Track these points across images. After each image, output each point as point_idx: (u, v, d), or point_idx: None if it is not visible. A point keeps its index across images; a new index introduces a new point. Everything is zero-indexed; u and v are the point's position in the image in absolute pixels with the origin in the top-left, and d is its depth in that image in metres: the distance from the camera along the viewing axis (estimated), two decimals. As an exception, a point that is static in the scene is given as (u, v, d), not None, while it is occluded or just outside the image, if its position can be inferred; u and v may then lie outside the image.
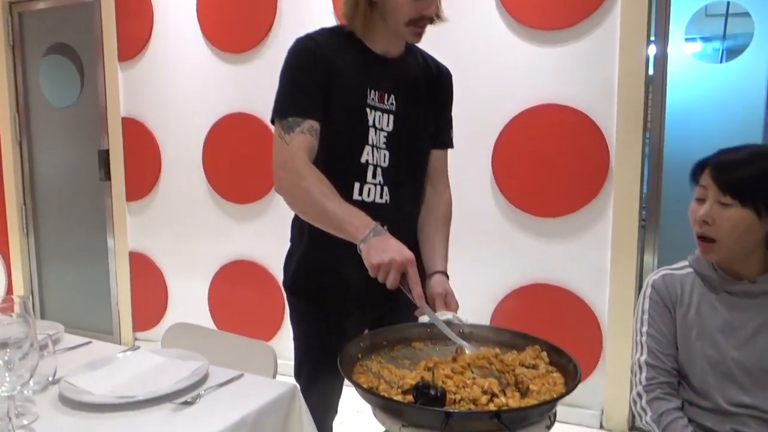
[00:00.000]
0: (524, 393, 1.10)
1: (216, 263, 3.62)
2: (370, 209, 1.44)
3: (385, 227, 1.25)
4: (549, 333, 1.32)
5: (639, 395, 1.32)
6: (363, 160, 1.44)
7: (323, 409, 1.60)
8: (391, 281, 1.19)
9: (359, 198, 1.44)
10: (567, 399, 1.07)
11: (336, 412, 1.66)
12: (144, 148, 3.74)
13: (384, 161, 1.47)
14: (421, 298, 1.23)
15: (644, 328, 1.34)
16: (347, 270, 1.45)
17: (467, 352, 1.24)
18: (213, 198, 3.58)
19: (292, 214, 1.57)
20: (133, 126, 3.76)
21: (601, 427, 2.77)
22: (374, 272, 1.20)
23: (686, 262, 1.38)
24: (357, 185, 1.44)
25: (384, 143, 1.46)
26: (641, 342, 1.34)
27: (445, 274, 1.48)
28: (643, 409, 1.30)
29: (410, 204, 1.57)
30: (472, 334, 1.37)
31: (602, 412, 2.78)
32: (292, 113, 1.36)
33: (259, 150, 3.35)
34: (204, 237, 3.64)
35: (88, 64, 3.88)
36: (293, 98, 1.38)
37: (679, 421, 1.25)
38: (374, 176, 1.45)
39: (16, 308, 1.04)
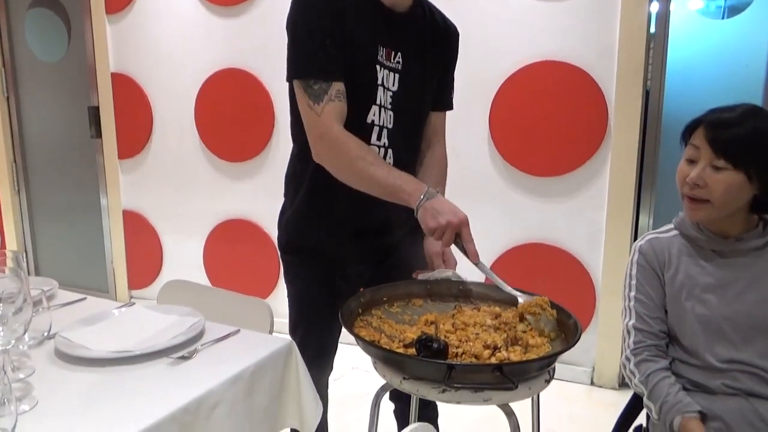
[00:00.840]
0: (526, 348, 1.10)
1: (210, 222, 3.60)
2: None
3: (437, 190, 1.27)
4: (543, 292, 1.32)
5: (627, 359, 1.33)
6: (369, 120, 1.38)
7: (319, 366, 1.60)
8: (446, 241, 1.24)
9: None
10: (560, 356, 1.07)
11: (332, 368, 1.67)
12: (135, 105, 3.67)
13: (389, 122, 1.41)
14: (476, 255, 1.26)
15: (632, 293, 1.35)
16: (343, 228, 1.43)
17: (520, 301, 1.26)
18: (206, 156, 3.53)
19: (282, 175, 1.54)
20: (123, 82, 3.67)
21: (592, 383, 2.82)
22: (430, 234, 1.25)
23: (671, 225, 1.38)
24: None
25: (390, 103, 1.40)
26: (629, 307, 1.35)
27: None
28: (632, 372, 1.31)
29: (411, 167, 1.53)
30: (472, 291, 1.37)
31: (593, 369, 2.82)
32: (314, 75, 1.29)
33: (252, 107, 3.29)
34: (198, 196, 3.61)
35: (75, 18, 3.76)
36: (314, 58, 1.29)
37: (666, 380, 1.26)
38: (379, 138, 1.40)
39: (8, 262, 1.01)
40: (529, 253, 2.82)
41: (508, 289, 1.31)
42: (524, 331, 1.18)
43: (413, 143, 1.52)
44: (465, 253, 1.26)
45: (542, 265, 2.79)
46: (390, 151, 1.43)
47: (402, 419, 1.72)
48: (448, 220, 1.22)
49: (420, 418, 1.61)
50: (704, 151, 1.22)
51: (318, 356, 1.59)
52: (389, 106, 1.40)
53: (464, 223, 1.24)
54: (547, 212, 2.78)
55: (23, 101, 4.07)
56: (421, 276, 1.39)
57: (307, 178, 1.45)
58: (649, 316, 1.33)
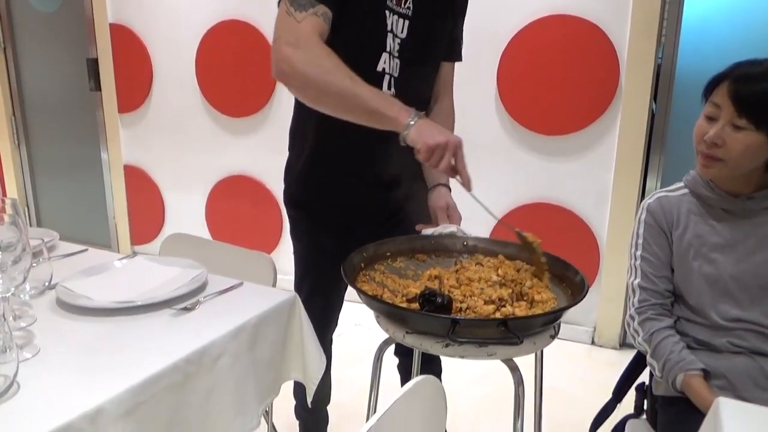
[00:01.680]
0: (531, 304, 1.09)
1: (212, 178, 3.57)
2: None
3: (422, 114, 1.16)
4: (547, 250, 1.30)
5: (632, 317, 1.32)
6: (379, 68, 1.33)
7: (323, 323, 1.60)
8: (445, 163, 1.13)
9: None
10: (562, 315, 1.07)
11: (336, 325, 1.67)
12: (134, 57, 3.60)
13: (396, 71, 1.37)
14: (469, 183, 1.17)
15: (638, 252, 1.33)
16: (351, 182, 1.40)
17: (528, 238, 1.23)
18: (208, 111, 3.48)
19: (288, 128, 1.50)
20: (122, 33, 3.59)
21: (593, 343, 2.85)
22: (428, 155, 1.12)
23: (681, 184, 1.35)
24: None
25: (397, 51, 1.35)
26: (635, 266, 1.34)
27: (447, 186, 1.44)
28: (636, 331, 1.31)
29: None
30: (476, 246, 1.36)
31: (595, 329, 2.84)
32: None
33: (254, 61, 3.22)
34: (199, 151, 3.58)
35: (72, -35, 3.66)
36: None
37: (669, 339, 1.26)
38: (389, 87, 1.36)
39: (7, 209, 1.00)
40: (534, 212, 2.80)
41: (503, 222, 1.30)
42: (530, 287, 1.17)
43: (422, 94, 1.47)
44: (458, 179, 1.17)
45: (547, 224, 2.78)
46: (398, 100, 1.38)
47: (406, 374, 1.73)
48: (447, 138, 1.11)
49: (423, 374, 1.62)
50: (726, 110, 1.18)
51: (323, 313, 1.59)
52: (396, 54, 1.36)
53: (460, 144, 1.14)
54: (554, 172, 2.75)
55: (20, 53, 4.00)
56: (425, 231, 1.37)
57: (312, 131, 1.42)
58: (654, 275, 1.31)
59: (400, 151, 1.45)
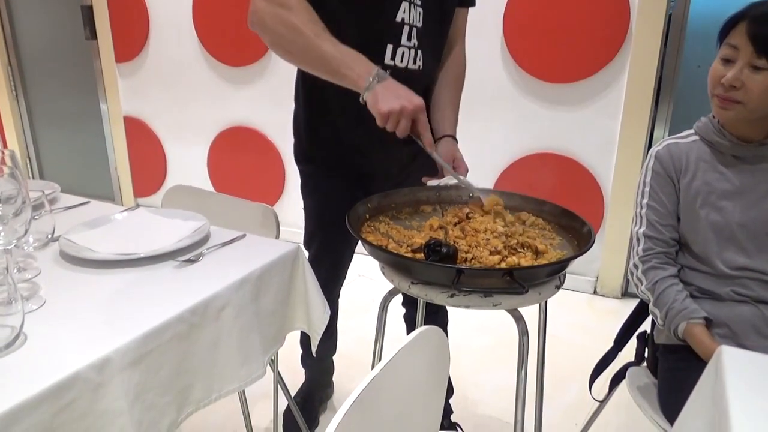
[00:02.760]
0: (536, 254, 1.08)
1: (214, 129, 3.54)
2: (402, 76, 1.33)
3: (387, 72, 1.14)
4: (553, 199, 1.29)
5: (635, 266, 1.32)
6: (399, 18, 1.29)
7: (332, 278, 1.60)
8: (401, 129, 1.12)
9: (391, 63, 1.32)
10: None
11: (344, 280, 1.68)
12: (129, 4, 3.50)
13: (419, 20, 1.32)
14: (432, 146, 1.17)
15: (644, 201, 1.32)
16: (360, 133, 1.37)
17: (483, 201, 1.24)
18: (206, 60, 3.41)
19: (292, 77, 1.46)
20: (117, -21, 3.49)
21: (595, 292, 2.87)
22: (383, 121, 1.11)
23: (691, 131, 1.32)
24: (390, 48, 1.30)
25: (420, 0, 1.31)
26: (641, 214, 1.32)
27: (454, 138, 1.42)
28: (639, 279, 1.31)
29: (436, 70, 1.46)
30: (482, 198, 1.34)
31: (597, 279, 2.86)
32: None
33: (253, 7, 3.14)
34: (199, 102, 3.53)
35: None
36: None
37: (673, 288, 1.26)
38: (409, 38, 1.32)
39: (6, 161, 0.98)
40: (539, 162, 2.78)
41: (466, 182, 1.29)
42: (534, 238, 1.17)
43: (440, 43, 1.44)
44: (420, 141, 1.16)
45: (552, 174, 2.76)
46: (419, 52, 1.35)
47: (412, 324, 1.75)
48: (402, 105, 1.09)
49: (429, 324, 1.64)
50: (744, 50, 1.14)
51: (333, 268, 1.59)
52: (419, 2, 1.31)
53: (420, 108, 1.12)
54: (560, 120, 2.71)
55: (13, 1, 3.89)
56: (431, 182, 1.35)
57: (317, 80, 1.38)
58: (660, 224, 1.30)
59: (427, 100, 1.42)
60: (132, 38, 3.59)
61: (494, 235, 1.11)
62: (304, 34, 1.13)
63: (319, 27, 1.15)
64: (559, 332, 2.48)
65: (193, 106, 3.57)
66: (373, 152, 1.39)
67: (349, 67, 1.12)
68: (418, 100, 1.12)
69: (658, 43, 2.45)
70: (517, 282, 0.92)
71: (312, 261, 1.56)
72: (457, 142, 1.42)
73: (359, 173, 1.45)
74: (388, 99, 1.10)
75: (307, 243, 1.59)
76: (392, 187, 1.37)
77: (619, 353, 1.47)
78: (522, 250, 1.07)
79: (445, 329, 1.74)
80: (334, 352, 1.87)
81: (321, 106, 1.40)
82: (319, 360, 1.81)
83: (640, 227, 1.33)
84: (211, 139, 3.57)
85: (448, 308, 1.71)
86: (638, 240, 1.33)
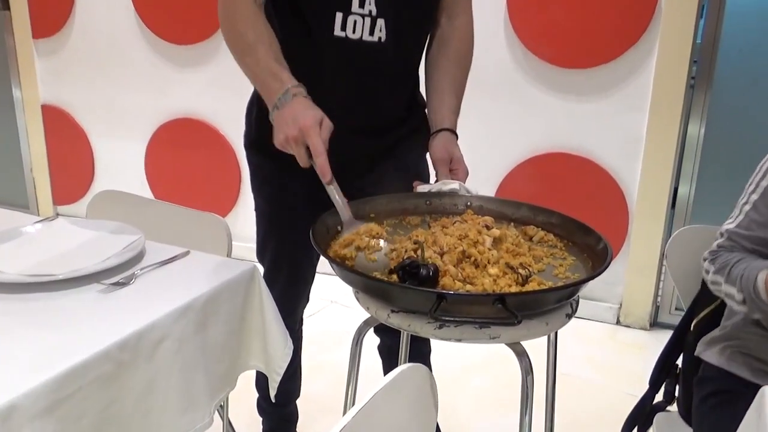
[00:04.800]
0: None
1: (153, 121, 3.53)
2: (359, 51, 1.35)
3: (301, 88, 1.24)
4: (567, 211, 1.31)
5: (704, 258, 1.33)
6: None
7: (291, 298, 1.61)
8: (300, 161, 1.19)
9: (341, 34, 1.34)
10: (580, 289, 1.07)
11: (307, 300, 1.68)
12: (51, -33, 3.50)
13: None
14: (324, 173, 1.18)
15: (755, 197, 1.28)
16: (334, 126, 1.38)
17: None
18: (145, 37, 3.41)
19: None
20: (35, -64, 3.49)
21: (618, 323, 2.90)
22: (284, 151, 1.21)
23: None
24: (339, 16, 1.33)
25: None
26: (742, 210, 1.29)
27: (452, 132, 1.42)
28: (706, 270, 1.31)
29: (415, 47, 1.47)
30: (482, 208, 1.36)
31: (620, 306, 2.89)
32: None
33: (203, -27, 3.14)
34: (136, 87, 3.52)
35: None
36: None
37: (746, 259, 1.24)
38: (362, 4, 1.34)
39: None
40: (550, 164, 2.81)
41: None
42: (540, 257, 1.18)
43: (420, 12, 1.44)
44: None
45: (566, 179, 2.79)
46: (380, 21, 1.36)
47: (389, 357, 1.75)
48: (286, 133, 1.18)
49: (411, 354, 1.65)
50: None
51: (291, 284, 1.59)
52: None
53: (306, 130, 1.17)
54: (574, 114, 2.74)
55: None
56: (420, 188, 1.37)
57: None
58: (753, 236, 1.27)
59: (394, 87, 1.43)
60: (53, 8, 3.57)
61: (471, 245, 1.12)
62: (242, 41, 1.30)
63: (261, 33, 1.29)
64: (573, 370, 2.50)
65: (127, 93, 3.56)
66: (334, 140, 1.41)
67: (264, 86, 1.27)
68: (304, 121, 1.17)
69: (692, 21, 2.50)
70: (509, 310, 0.93)
71: (266, 277, 1.57)
72: (456, 137, 1.43)
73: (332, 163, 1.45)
74: (281, 127, 1.20)
75: (260, 252, 1.59)
76: (362, 187, 1.37)
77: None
78: (523, 271, 1.08)
79: (427, 359, 1.75)
80: (298, 396, 1.87)
81: None
82: (278, 406, 1.80)
83: (733, 223, 1.30)
84: (149, 133, 3.55)
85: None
86: (721, 234, 1.31)
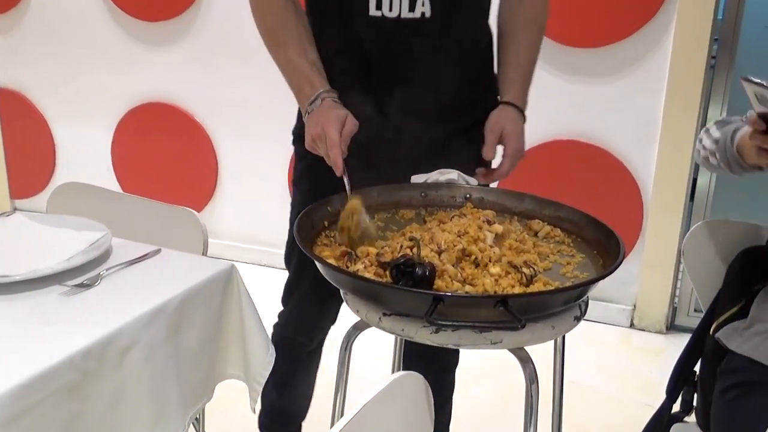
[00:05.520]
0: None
1: (120, 106, 3.52)
2: (398, 30, 1.35)
3: (332, 93, 1.34)
4: (576, 204, 1.32)
5: (700, 138, 1.38)
6: None
7: (310, 310, 1.59)
8: (332, 164, 1.26)
9: (377, 13, 1.33)
10: (590, 289, 1.08)
11: (333, 321, 1.64)
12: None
13: None
14: (338, 166, 1.25)
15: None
16: (371, 112, 1.39)
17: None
18: (111, 12, 3.40)
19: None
20: None
21: (632, 325, 2.91)
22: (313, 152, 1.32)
23: None
24: None
25: None
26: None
27: (514, 105, 1.43)
28: (700, 139, 1.37)
29: (472, 20, 1.44)
30: (482, 200, 1.36)
31: (634, 308, 2.90)
32: None
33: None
34: (101, 68, 3.51)
35: None
36: None
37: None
38: None
39: None
40: (557, 152, 2.81)
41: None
42: (546, 255, 1.18)
43: None
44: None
45: (574, 168, 2.80)
46: None
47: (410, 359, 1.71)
48: (311, 134, 1.30)
49: (432, 365, 1.63)
50: None
51: (312, 297, 1.54)
52: None
53: (327, 126, 1.26)
54: (584, 97, 2.75)
55: None
56: (416, 178, 1.37)
57: (320, 41, 1.43)
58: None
59: (448, 68, 1.41)
60: (8, -19, 3.55)
61: (472, 242, 1.12)
62: (275, 39, 1.41)
63: (291, 30, 1.38)
64: (582, 378, 2.51)
65: (91, 75, 3.54)
66: (388, 136, 1.40)
67: (298, 88, 1.38)
68: (327, 118, 1.28)
69: (713, -5, 2.51)
70: (511, 313, 0.94)
71: (288, 284, 1.58)
72: (521, 112, 1.45)
73: (368, 158, 1.43)
74: (308, 129, 1.32)
75: (287, 256, 1.58)
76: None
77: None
78: (528, 270, 1.08)
79: (452, 372, 1.74)
80: (304, 415, 1.82)
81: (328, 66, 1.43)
82: (284, 426, 1.78)
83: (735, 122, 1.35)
84: (116, 119, 3.54)
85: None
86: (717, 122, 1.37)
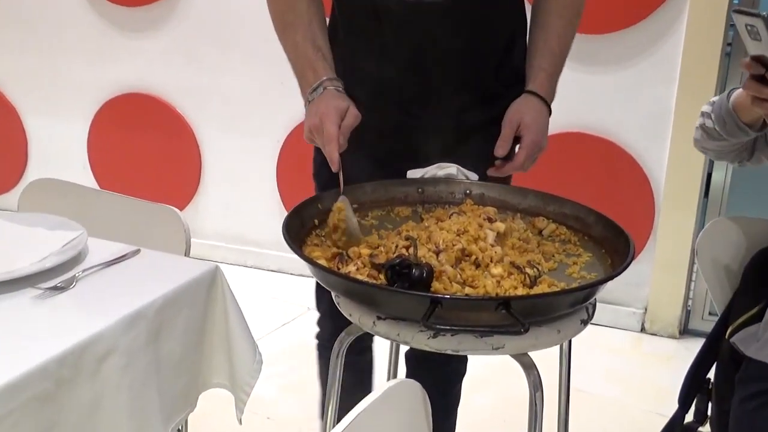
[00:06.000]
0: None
1: (97, 97, 3.52)
2: (417, 15, 1.35)
3: (335, 82, 1.34)
4: (583, 200, 1.32)
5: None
6: None
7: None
8: (328, 159, 1.26)
9: None
10: (598, 293, 1.09)
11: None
12: None
13: None
14: (333, 161, 1.25)
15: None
16: (391, 100, 1.41)
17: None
18: (87, -3, 3.40)
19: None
20: None
21: (643, 330, 2.91)
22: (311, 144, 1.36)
23: None
24: None
25: None
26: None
27: (536, 95, 1.40)
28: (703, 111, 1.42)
29: (491, 7, 1.43)
30: (483, 196, 1.36)
31: (646, 310, 2.91)
32: None
33: None
34: (77, 57, 3.51)
35: None
36: None
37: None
38: None
39: None
40: (562, 145, 2.81)
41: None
42: (552, 254, 1.19)
43: None
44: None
45: (581, 162, 2.80)
46: None
47: (415, 364, 1.72)
48: (308, 125, 1.31)
49: (442, 372, 1.64)
50: None
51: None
52: None
53: (324, 117, 1.27)
54: (592, 87, 2.75)
55: None
56: (412, 173, 1.37)
57: (342, 28, 1.46)
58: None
59: (470, 56, 1.42)
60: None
61: (472, 241, 1.12)
62: (282, 24, 1.42)
63: (298, 15, 1.39)
64: (589, 386, 2.51)
65: (67, 64, 3.54)
66: (406, 127, 1.43)
67: (301, 74, 1.38)
68: (326, 109, 1.28)
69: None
70: (514, 317, 0.94)
71: (319, 287, 1.61)
72: (546, 103, 1.41)
73: (386, 152, 1.45)
74: (306, 119, 1.33)
75: None
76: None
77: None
78: (531, 271, 1.09)
79: (459, 380, 1.73)
80: None
81: (345, 61, 1.45)
82: None
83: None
84: (93, 111, 3.54)
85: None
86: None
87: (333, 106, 1.28)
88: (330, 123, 1.25)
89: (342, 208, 1.23)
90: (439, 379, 1.65)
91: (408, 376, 1.74)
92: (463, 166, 1.42)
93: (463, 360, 1.71)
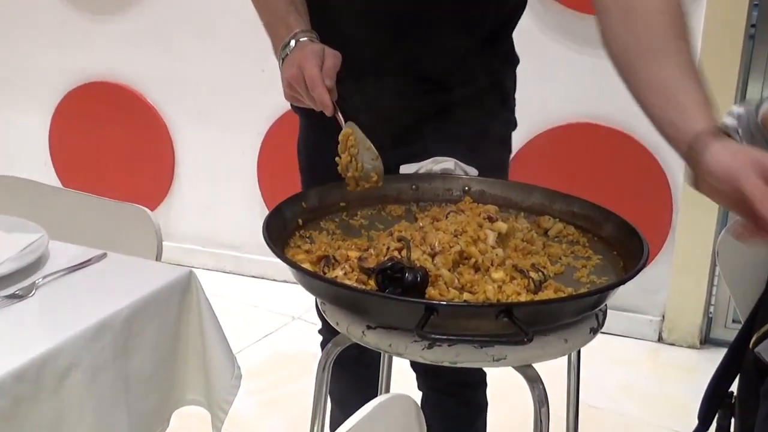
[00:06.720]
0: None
1: (59, 86, 3.52)
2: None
3: (311, 33, 1.32)
4: (594, 198, 1.33)
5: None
6: None
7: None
8: (319, 105, 1.24)
9: None
10: (610, 300, 1.09)
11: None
12: None
13: None
14: (326, 105, 1.24)
15: None
16: (370, 74, 1.39)
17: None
18: (48, -24, 3.39)
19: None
20: None
21: (660, 339, 2.92)
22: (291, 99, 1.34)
23: None
24: None
25: None
26: None
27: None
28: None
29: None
30: (483, 193, 1.37)
31: (663, 318, 2.92)
32: None
33: None
34: (37, 42, 3.51)
35: None
36: None
37: None
38: None
39: None
40: (572, 137, 2.82)
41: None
42: (559, 256, 1.19)
43: None
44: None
45: (592, 156, 2.81)
46: None
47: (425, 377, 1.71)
48: (286, 78, 1.29)
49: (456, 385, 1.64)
50: None
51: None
52: None
53: (303, 62, 1.25)
54: (606, 74, 2.73)
55: None
56: (405, 168, 1.37)
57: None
58: None
59: (445, 29, 1.41)
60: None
61: (470, 243, 1.13)
62: None
63: None
64: (601, 401, 2.52)
65: (24, 50, 3.54)
66: (387, 101, 1.41)
67: (273, 32, 1.36)
68: (302, 55, 1.26)
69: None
70: (517, 325, 0.94)
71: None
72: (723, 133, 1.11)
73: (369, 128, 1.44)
74: (283, 74, 1.30)
75: None
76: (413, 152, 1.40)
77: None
78: (536, 275, 1.09)
79: (483, 392, 1.75)
80: None
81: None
82: None
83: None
84: (54, 101, 3.54)
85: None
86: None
87: (309, 50, 1.27)
88: (310, 66, 1.24)
89: (350, 132, 1.25)
90: (454, 383, 1.66)
91: (418, 385, 1.74)
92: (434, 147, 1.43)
93: (481, 381, 1.73)
